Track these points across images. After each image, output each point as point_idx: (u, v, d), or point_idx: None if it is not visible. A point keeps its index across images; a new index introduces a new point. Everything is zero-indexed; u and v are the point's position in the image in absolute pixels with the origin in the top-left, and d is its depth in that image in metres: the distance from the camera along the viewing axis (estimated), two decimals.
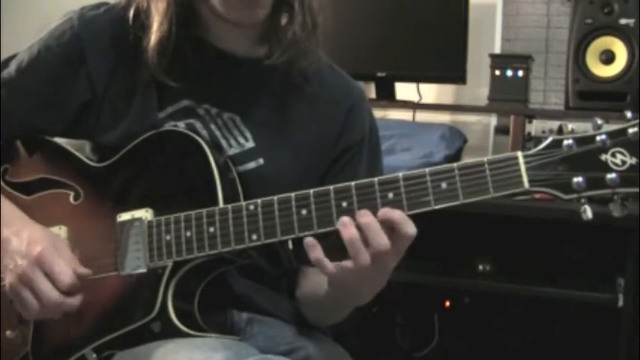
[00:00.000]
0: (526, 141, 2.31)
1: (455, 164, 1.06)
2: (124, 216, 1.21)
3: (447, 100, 2.75)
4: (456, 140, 2.43)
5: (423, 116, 2.63)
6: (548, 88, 2.67)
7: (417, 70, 2.61)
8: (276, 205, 1.12)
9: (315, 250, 1.08)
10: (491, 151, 2.56)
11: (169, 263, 1.18)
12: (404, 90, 2.67)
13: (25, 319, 1.23)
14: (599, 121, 1.03)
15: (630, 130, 1.01)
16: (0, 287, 1.25)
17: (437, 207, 1.06)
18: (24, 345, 1.25)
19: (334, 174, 1.31)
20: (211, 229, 1.15)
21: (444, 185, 1.06)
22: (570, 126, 1.06)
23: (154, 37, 1.23)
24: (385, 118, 2.69)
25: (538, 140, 1.14)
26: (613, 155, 1.01)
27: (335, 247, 1.08)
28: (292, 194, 1.12)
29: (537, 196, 2.00)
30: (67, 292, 1.18)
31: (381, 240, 1.06)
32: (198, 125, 1.27)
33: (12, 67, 1.31)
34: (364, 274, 1.08)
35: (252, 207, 1.14)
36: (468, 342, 2.56)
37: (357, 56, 2.50)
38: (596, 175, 1.01)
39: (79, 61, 1.28)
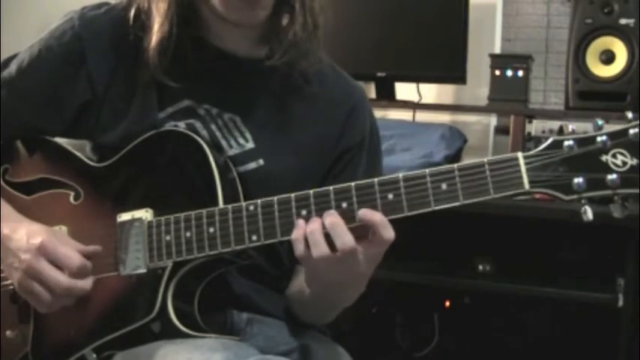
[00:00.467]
0: (526, 141, 2.31)
1: (455, 165, 1.06)
2: (124, 216, 1.21)
3: (447, 100, 2.75)
4: (456, 140, 2.43)
5: (423, 116, 2.63)
6: (548, 88, 2.67)
7: (417, 70, 2.61)
8: (276, 206, 1.12)
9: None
10: (492, 151, 2.55)
11: (169, 263, 1.18)
12: (404, 90, 2.67)
13: (42, 312, 1.22)
14: (600, 122, 1.03)
15: (631, 131, 1.01)
16: (0, 287, 1.26)
17: (437, 208, 1.06)
18: (24, 345, 1.25)
19: (334, 175, 1.31)
20: (211, 230, 1.15)
21: (444, 186, 1.06)
22: (571, 126, 1.06)
23: (154, 37, 1.23)
24: (385, 118, 2.69)
25: (538, 140, 1.14)
26: (614, 156, 1.01)
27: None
28: (292, 195, 1.12)
29: (537, 196, 1.99)
30: (77, 275, 1.18)
31: (347, 237, 1.06)
32: (198, 125, 1.27)
33: (12, 67, 1.31)
34: (335, 272, 1.09)
35: (252, 207, 1.14)
36: (468, 342, 2.56)
37: (357, 56, 2.50)
38: (597, 175, 1.01)
39: (80, 61, 1.27)
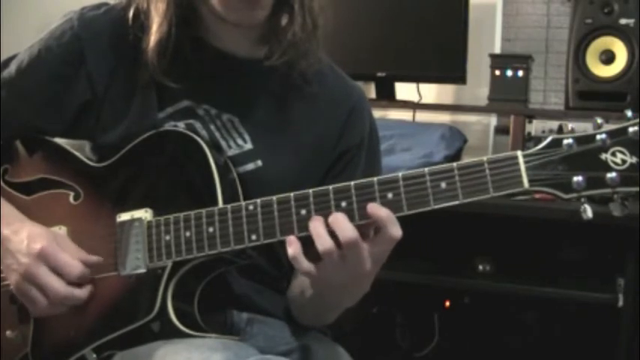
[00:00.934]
0: (526, 141, 2.31)
1: (454, 164, 1.06)
2: (124, 216, 1.21)
3: (447, 100, 2.75)
4: (456, 140, 2.43)
5: (423, 116, 2.63)
6: (548, 88, 2.67)
7: (417, 70, 2.61)
8: (275, 205, 1.12)
9: (293, 247, 1.07)
10: (491, 151, 2.55)
11: (169, 263, 1.18)
12: (404, 90, 2.67)
13: (35, 316, 1.23)
14: (600, 121, 1.03)
15: (630, 129, 1.00)
16: (0, 287, 1.26)
17: (436, 207, 1.06)
18: (24, 345, 1.25)
19: (333, 175, 1.31)
20: (211, 230, 1.15)
21: (443, 185, 1.05)
22: (570, 125, 1.06)
23: (153, 38, 1.23)
24: (385, 118, 2.69)
25: (538, 140, 1.14)
26: (613, 154, 1.01)
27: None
28: (291, 194, 1.11)
29: (537, 196, 2.00)
30: (75, 284, 1.18)
31: (346, 228, 1.05)
32: (197, 125, 1.27)
33: (12, 68, 1.31)
34: (339, 272, 1.08)
35: (251, 207, 1.13)
36: (468, 342, 2.56)
37: (357, 56, 2.50)
38: (597, 174, 1.01)
39: (79, 61, 1.27)
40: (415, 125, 2.56)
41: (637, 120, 1.00)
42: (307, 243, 1.08)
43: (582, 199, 1.03)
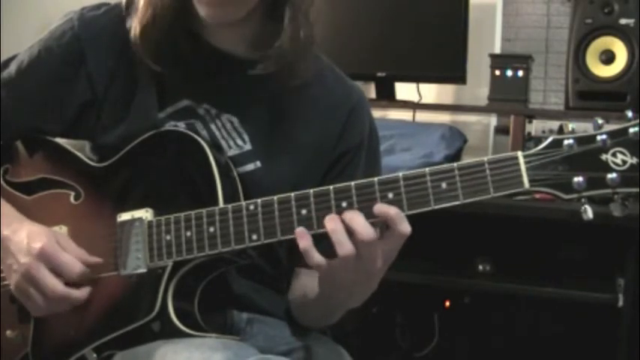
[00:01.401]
0: (526, 141, 2.31)
1: (455, 164, 1.06)
2: (124, 216, 1.22)
3: (447, 100, 2.75)
4: (456, 140, 2.43)
5: (423, 116, 2.63)
6: (548, 88, 2.67)
7: (417, 70, 2.61)
8: (276, 205, 1.12)
9: (305, 240, 1.07)
10: (491, 151, 2.55)
11: (169, 263, 1.18)
12: (404, 90, 2.67)
13: (34, 316, 1.23)
14: (600, 121, 1.03)
15: (631, 130, 1.00)
16: (0, 287, 1.26)
17: (437, 207, 1.06)
18: (24, 345, 1.25)
19: (333, 176, 1.30)
20: (211, 229, 1.15)
21: (443, 185, 1.06)
22: (571, 126, 1.06)
23: (136, 24, 1.22)
24: (385, 118, 2.69)
25: (538, 140, 1.14)
26: (614, 155, 1.01)
27: (331, 251, 1.08)
28: (292, 194, 1.11)
29: (537, 196, 2.00)
30: (75, 285, 1.18)
31: (365, 228, 1.05)
32: (198, 125, 1.27)
33: (12, 68, 1.31)
34: (351, 271, 1.08)
35: (252, 207, 1.13)
36: (468, 342, 2.56)
37: (357, 56, 2.50)
38: (597, 174, 1.01)
39: (79, 61, 1.28)
40: (415, 125, 2.55)
41: (637, 121, 1.00)
42: (316, 236, 1.08)
43: (583, 200, 1.03)
